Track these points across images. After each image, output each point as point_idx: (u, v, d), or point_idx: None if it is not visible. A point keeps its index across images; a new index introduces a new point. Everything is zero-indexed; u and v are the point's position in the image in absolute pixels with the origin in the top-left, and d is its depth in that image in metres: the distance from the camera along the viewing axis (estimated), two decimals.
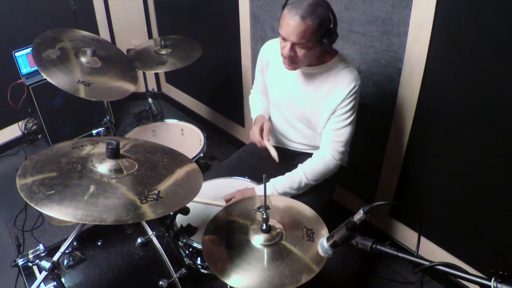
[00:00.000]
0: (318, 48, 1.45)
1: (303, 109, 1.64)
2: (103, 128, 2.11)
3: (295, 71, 1.60)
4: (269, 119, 1.84)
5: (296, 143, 1.79)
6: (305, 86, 1.61)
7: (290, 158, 1.77)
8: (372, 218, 2.23)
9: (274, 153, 1.57)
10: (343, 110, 1.54)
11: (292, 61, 1.48)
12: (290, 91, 1.66)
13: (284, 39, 1.44)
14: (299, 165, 1.63)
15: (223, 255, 1.17)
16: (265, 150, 1.62)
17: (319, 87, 1.57)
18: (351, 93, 1.52)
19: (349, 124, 1.56)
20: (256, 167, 1.82)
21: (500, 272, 0.79)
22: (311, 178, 1.60)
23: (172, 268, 1.32)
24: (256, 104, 1.88)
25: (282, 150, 1.84)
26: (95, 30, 3.19)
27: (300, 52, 1.43)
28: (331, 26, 1.42)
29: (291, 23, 1.36)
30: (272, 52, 1.68)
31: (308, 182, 1.60)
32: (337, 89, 1.53)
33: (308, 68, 1.58)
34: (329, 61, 1.55)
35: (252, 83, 1.94)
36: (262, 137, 1.64)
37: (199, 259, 1.48)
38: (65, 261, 1.26)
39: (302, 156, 1.71)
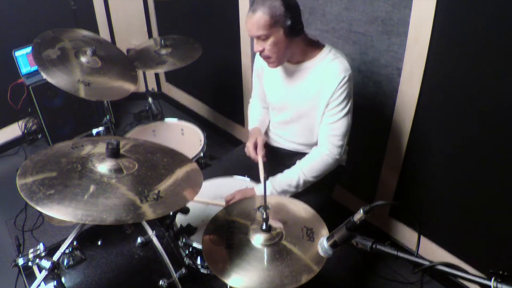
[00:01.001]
0: (282, 38, 1.47)
1: (300, 108, 1.64)
2: (103, 128, 2.11)
3: (288, 70, 1.62)
4: (268, 124, 1.87)
5: (294, 143, 1.79)
6: (298, 84, 1.62)
7: (288, 158, 1.77)
8: (372, 218, 2.22)
9: (261, 172, 1.63)
10: (336, 102, 1.53)
11: (265, 57, 1.53)
12: (285, 92, 1.67)
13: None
14: (297, 162, 1.63)
15: (223, 255, 1.17)
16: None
17: (311, 82, 1.58)
18: (341, 84, 1.51)
19: (344, 116, 1.56)
20: (255, 166, 1.82)
21: (500, 272, 0.79)
22: (310, 175, 1.59)
23: (172, 268, 1.32)
24: (254, 114, 1.91)
25: (280, 150, 1.84)
26: (95, 30, 3.19)
27: (265, 45, 1.49)
28: (286, 15, 1.44)
29: (247, 20, 1.47)
30: None
31: (306, 179, 1.59)
32: (327, 82, 1.53)
33: (297, 65, 1.59)
34: (316, 55, 1.56)
35: (252, 84, 1.95)
36: (256, 152, 1.70)
37: (199, 259, 1.48)
38: (65, 261, 1.26)
39: (300, 156, 1.71)
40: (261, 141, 1.71)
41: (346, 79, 1.51)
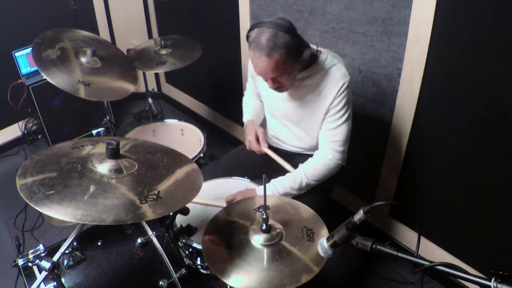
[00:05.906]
0: (297, 66, 1.47)
1: (297, 114, 1.64)
2: (103, 128, 2.11)
3: None
4: (264, 120, 1.86)
5: (292, 146, 1.79)
6: (296, 91, 1.60)
7: (287, 159, 1.76)
8: (372, 218, 2.23)
9: (279, 160, 1.65)
10: (336, 109, 1.53)
11: (279, 88, 1.51)
12: (282, 98, 1.65)
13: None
14: (300, 165, 1.62)
15: (223, 255, 1.17)
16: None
17: (310, 90, 1.57)
18: (341, 90, 1.50)
19: (344, 122, 1.56)
20: (255, 167, 1.82)
21: (500, 272, 0.79)
22: (312, 178, 1.59)
23: (172, 268, 1.32)
24: (248, 107, 1.91)
25: (279, 151, 1.84)
26: (95, 30, 3.19)
27: (283, 79, 1.46)
28: (299, 44, 1.41)
29: (260, 63, 1.39)
30: None
31: (309, 182, 1.59)
32: (327, 89, 1.52)
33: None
34: (314, 63, 1.54)
35: None
36: (259, 145, 1.70)
37: (199, 259, 1.48)
38: (65, 261, 1.25)
39: (299, 157, 1.71)
40: (261, 133, 1.71)
41: (345, 86, 1.50)
